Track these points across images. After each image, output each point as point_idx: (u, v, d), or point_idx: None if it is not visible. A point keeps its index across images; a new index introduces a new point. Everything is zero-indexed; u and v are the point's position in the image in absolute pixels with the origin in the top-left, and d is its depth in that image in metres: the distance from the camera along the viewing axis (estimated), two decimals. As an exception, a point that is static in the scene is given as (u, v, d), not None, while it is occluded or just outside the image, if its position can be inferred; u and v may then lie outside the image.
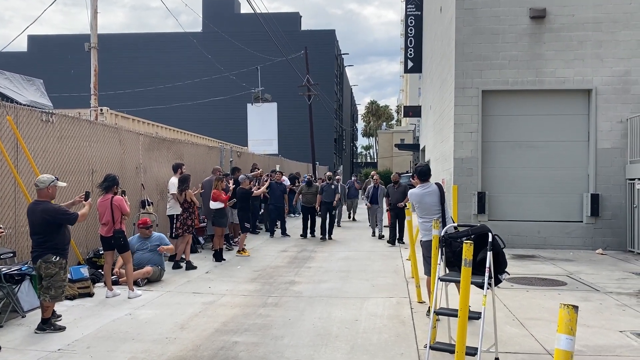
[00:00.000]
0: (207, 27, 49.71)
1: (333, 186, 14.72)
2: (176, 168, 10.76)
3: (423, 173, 6.68)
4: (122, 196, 7.94)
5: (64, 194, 8.44)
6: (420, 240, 6.70)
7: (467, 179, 12.93)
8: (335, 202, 14.59)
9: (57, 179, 6.09)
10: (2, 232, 5.62)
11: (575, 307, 2.44)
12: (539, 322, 6.33)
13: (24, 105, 9.32)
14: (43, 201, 5.89)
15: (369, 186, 15.87)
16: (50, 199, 6.00)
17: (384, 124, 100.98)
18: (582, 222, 12.68)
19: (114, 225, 7.42)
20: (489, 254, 4.75)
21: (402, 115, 64.67)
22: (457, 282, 5.08)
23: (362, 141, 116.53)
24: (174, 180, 10.48)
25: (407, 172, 53.56)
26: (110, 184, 7.52)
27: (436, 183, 6.64)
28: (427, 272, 6.44)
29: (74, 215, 6.03)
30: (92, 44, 12.29)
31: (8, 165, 7.17)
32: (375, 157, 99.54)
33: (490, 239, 4.83)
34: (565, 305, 2.43)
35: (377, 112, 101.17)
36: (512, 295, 7.65)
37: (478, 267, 4.93)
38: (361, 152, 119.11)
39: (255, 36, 46.20)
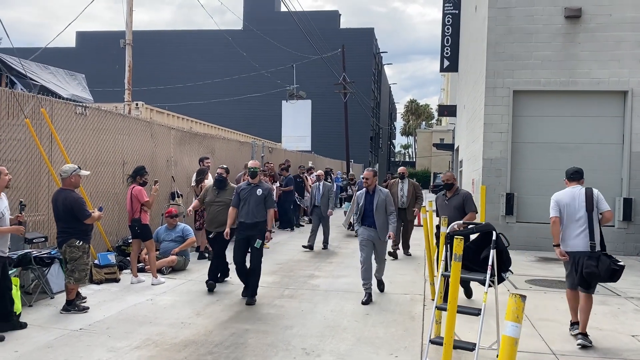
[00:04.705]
0: (248, 25, 50.42)
1: (260, 192, 7.29)
2: (199, 161, 11.15)
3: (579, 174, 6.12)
4: (153, 186, 8.27)
5: (99, 182, 8.89)
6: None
7: (495, 180, 12.81)
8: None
9: (80, 168, 6.45)
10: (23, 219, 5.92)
11: (523, 297, 2.52)
12: (550, 323, 6.31)
13: (66, 98, 9.79)
14: (66, 189, 6.26)
15: (358, 192, 7.84)
16: (74, 188, 6.36)
17: (423, 123, 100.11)
18: (613, 226, 12.38)
19: (133, 214, 7.77)
20: (492, 252, 4.80)
21: (438, 115, 64.04)
22: (462, 278, 5.17)
23: (401, 140, 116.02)
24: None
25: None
26: (133, 175, 7.91)
27: (586, 188, 5.96)
28: (570, 284, 5.82)
29: (88, 213, 6.29)
30: (127, 41, 12.78)
31: (42, 156, 7.60)
32: (414, 156, 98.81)
33: (494, 237, 4.87)
34: (513, 294, 2.51)
35: (416, 111, 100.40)
36: (529, 297, 7.48)
37: (482, 265, 4.99)
38: (400, 150, 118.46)
39: (294, 34, 46.48)
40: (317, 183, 13.06)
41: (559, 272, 9.70)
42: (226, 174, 8.35)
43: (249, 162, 7.67)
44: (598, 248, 5.67)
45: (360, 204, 7.47)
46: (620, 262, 5.64)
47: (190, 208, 8.96)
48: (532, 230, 12.28)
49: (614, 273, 5.57)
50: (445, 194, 7.88)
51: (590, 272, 5.53)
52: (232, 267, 7.79)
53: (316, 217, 12.36)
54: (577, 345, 5.45)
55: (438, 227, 7.13)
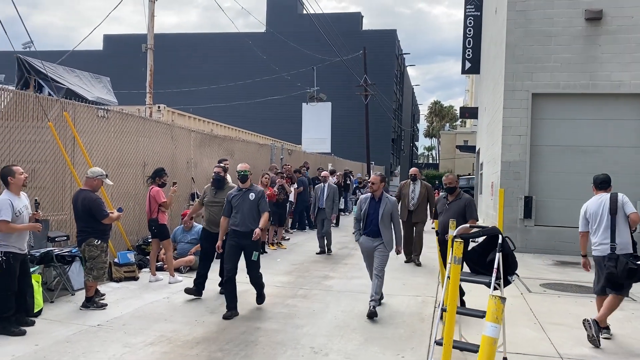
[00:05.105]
0: (271, 27, 50.89)
1: (252, 196, 6.68)
2: (219, 163, 11.35)
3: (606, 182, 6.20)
4: (172, 187, 8.50)
5: (120, 183, 9.15)
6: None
7: (514, 183, 12.75)
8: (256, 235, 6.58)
9: (107, 176, 6.74)
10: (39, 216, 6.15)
11: (503, 299, 2.58)
12: (560, 326, 6.30)
13: (91, 101, 10.10)
14: (85, 190, 6.51)
15: (362, 196, 7.14)
16: (93, 190, 6.59)
17: (447, 124, 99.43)
18: (635, 230, 12.19)
19: (150, 214, 8.00)
20: (498, 255, 4.85)
21: (459, 117, 63.60)
22: (468, 281, 5.25)
23: (424, 142, 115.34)
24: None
25: (468, 175, 52.27)
26: (152, 176, 8.17)
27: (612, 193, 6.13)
28: (597, 290, 5.98)
29: (105, 214, 6.52)
30: (149, 45, 13.10)
31: (65, 159, 7.87)
32: (437, 158, 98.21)
33: (500, 241, 4.92)
34: (493, 296, 2.58)
35: (440, 113, 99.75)
36: (541, 300, 7.61)
37: (488, 268, 5.04)
38: (423, 152, 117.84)
39: (317, 36, 46.81)
40: (322, 184, 12.02)
41: (575, 276, 9.66)
42: (224, 173, 7.88)
43: (238, 165, 6.97)
44: (619, 249, 5.76)
45: (364, 210, 6.85)
46: (639, 261, 5.66)
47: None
48: (551, 233, 12.21)
49: (631, 272, 5.60)
50: (446, 198, 7.33)
51: (609, 272, 5.68)
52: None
53: (319, 222, 11.67)
54: (584, 320, 5.65)
55: (437, 232, 7.19)
